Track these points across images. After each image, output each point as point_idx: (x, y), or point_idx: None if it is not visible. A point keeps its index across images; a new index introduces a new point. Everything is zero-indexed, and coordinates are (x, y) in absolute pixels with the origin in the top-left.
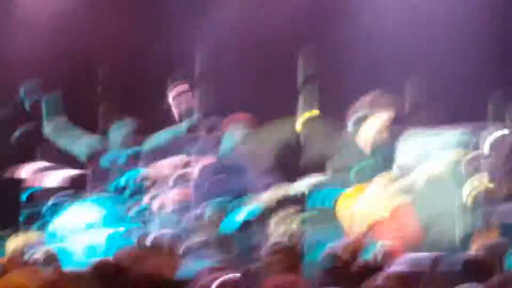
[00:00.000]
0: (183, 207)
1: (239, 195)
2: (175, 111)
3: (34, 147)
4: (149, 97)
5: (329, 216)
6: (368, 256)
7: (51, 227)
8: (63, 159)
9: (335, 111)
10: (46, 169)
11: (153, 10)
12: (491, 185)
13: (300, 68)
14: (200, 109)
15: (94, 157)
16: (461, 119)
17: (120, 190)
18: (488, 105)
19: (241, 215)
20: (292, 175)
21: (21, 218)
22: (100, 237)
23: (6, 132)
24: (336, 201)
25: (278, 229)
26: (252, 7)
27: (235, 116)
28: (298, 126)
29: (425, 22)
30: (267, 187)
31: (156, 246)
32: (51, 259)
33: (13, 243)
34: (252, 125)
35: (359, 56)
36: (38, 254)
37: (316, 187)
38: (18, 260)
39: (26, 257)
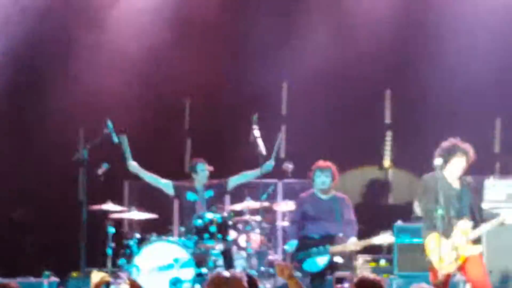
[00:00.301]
0: (263, 250)
1: (324, 241)
2: (260, 149)
3: (121, 182)
4: (235, 133)
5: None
6: None
7: (135, 262)
8: (148, 196)
9: (415, 156)
10: (132, 206)
11: (240, 46)
12: None
13: (385, 112)
14: (285, 150)
15: (180, 193)
16: None
17: (202, 229)
18: None
19: (322, 260)
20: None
21: (108, 253)
22: (184, 275)
23: (95, 167)
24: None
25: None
26: (338, 47)
27: (321, 163)
28: (383, 171)
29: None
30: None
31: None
32: None
33: (96, 277)
34: (336, 172)
35: (441, 100)
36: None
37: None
38: None
39: None
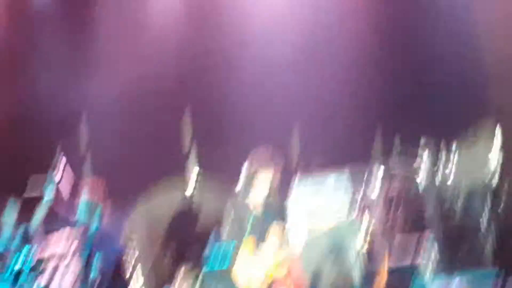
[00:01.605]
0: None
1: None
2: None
3: None
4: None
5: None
6: None
7: None
8: None
9: (221, 169)
10: None
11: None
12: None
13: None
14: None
15: None
16: (344, 161)
17: (17, 273)
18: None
19: None
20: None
21: None
22: None
23: None
24: (232, 262)
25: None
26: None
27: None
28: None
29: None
30: None
31: None
32: None
33: None
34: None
35: (237, 112)
36: None
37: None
38: None
39: None
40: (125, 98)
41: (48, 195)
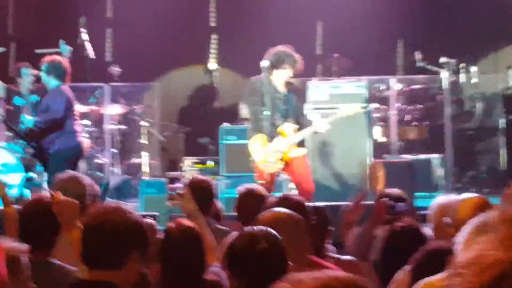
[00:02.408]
0: (91, 153)
1: None
2: (87, 52)
3: None
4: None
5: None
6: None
7: None
8: None
9: (240, 59)
10: None
11: None
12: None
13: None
14: (112, 53)
15: (8, 97)
16: (362, 71)
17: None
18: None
19: None
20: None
21: None
22: (13, 180)
23: None
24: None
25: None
26: None
27: None
28: (209, 74)
29: None
30: None
31: None
32: None
33: None
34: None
35: (263, 5)
36: None
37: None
38: None
39: None
40: None
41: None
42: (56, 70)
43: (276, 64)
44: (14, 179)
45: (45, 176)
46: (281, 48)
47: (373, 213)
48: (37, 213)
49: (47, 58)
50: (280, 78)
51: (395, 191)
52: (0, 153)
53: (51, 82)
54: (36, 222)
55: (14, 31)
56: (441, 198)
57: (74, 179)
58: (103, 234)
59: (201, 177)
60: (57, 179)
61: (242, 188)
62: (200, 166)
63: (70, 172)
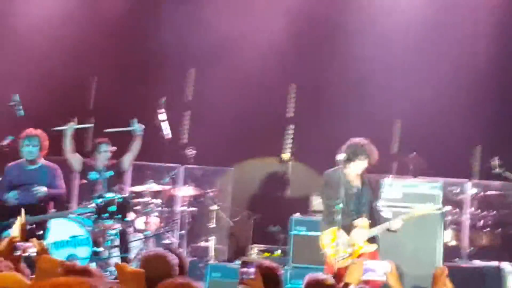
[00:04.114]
0: (160, 233)
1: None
2: (165, 132)
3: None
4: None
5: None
6: None
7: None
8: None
9: (315, 151)
10: None
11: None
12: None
13: (288, 105)
14: (188, 136)
15: (84, 171)
16: (438, 172)
17: (101, 208)
18: (469, 163)
19: None
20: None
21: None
22: (81, 253)
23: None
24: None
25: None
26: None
27: (28, 131)
28: (283, 164)
29: (419, 71)
30: None
31: None
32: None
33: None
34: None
35: (342, 100)
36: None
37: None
38: None
39: None
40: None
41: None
42: None
43: (352, 156)
44: (82, 252)
45: (114, 252)
46: (357, 140)
47: None
48: None
49: None
50: (356, 170)
51: None
52: (70, 225)
53: None
54: None
55: (94, 106)
56: None
57: (161, 257)
58: None
59: (270, 263)
60: (143, 256)
61: (309, 277)
62: (267, 254)
63: (157, 250)
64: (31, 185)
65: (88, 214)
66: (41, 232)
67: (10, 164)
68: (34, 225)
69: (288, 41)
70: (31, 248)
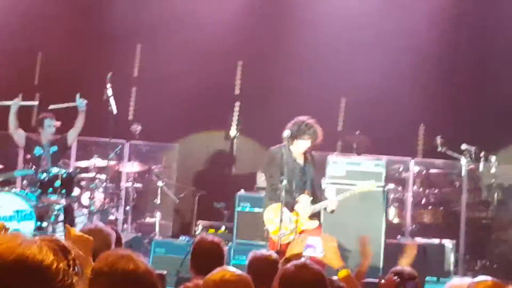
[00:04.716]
0: (105, 209)
1: None
2: (111, 108)
3: None
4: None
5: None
6: None
7: None
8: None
9: (260, 128)
10: None
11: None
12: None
13: (235, 82)
14: (134, 112)
15: (28, 146)
16: (382, 150)
17: (46, 183)
18: (412, 141)
19: None
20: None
21: None
22: (25, 228)
23: None
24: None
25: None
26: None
27: None
28: (229, 141)
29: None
30: None
31: None
32: None
33: None
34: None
35: (289, 78)
36: None
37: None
38: None
39: None
40: (184, 42)
41: None
42: None
43: (296, 134)
44: (26, 227)
45: (59, 227)
46: (302, 118)
47: None
48: None
49: None
50: (300, 148)
51: (407, 269)
52: (15, 200)
53: None
54: None
55: (39, 82)
56: (456, 280)
57: (99, 230)
58: (112, 280)
59: (211, 238)
60: (81, 230)
61: (253, 253)
62: (212, 230)
63: (95, 223)
64: None
65: (30, 180)
66: None
67: None
68: None
69: (236, 18)
70: None
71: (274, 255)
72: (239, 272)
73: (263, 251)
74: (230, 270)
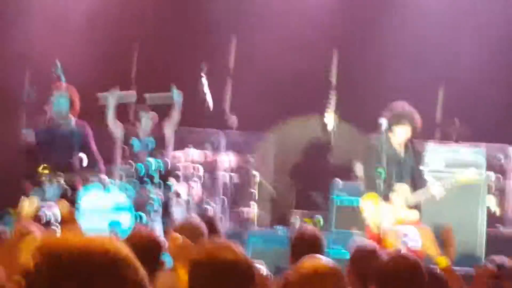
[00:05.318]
0: (203, 200)
1: None
2: (207, 100)
3: None
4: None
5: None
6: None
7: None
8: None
9: (354, 116)
10: None
11: None
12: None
13: (331, 72)
14: (230, 103)
15: (126, 138)
16: (483, 139)
17: (143, 175)
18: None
19: None
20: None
21: None
22: (123, 219)
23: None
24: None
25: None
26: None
27: None
28: (325, 130)
29: (468, 36)
30: None
31: None
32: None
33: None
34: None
35: (385, 67)
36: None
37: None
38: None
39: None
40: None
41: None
42: None
43: (395, 122)
44: (124, 218)
45: (157, 219)
46: (400, 105)
47: (475, 278)
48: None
49: None
50: (399, 136)
51: (501, 258)
52: (113, 192)
53: None
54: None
55: (136, 75)
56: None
57: (193, 224)
58: (212, 270)
59: (311, 229)
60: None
61: (357, 245)
62: (309, 220)
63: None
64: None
65: (130, 180)
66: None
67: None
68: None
69: (331, 4)
70: (55, 209)
71: (375, 246)
72: (331, 263)
73: (365, 241)
74: (322, 260)
